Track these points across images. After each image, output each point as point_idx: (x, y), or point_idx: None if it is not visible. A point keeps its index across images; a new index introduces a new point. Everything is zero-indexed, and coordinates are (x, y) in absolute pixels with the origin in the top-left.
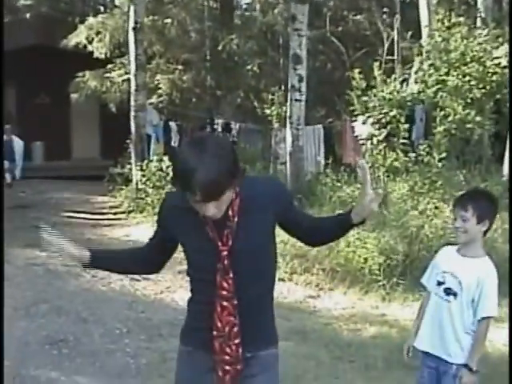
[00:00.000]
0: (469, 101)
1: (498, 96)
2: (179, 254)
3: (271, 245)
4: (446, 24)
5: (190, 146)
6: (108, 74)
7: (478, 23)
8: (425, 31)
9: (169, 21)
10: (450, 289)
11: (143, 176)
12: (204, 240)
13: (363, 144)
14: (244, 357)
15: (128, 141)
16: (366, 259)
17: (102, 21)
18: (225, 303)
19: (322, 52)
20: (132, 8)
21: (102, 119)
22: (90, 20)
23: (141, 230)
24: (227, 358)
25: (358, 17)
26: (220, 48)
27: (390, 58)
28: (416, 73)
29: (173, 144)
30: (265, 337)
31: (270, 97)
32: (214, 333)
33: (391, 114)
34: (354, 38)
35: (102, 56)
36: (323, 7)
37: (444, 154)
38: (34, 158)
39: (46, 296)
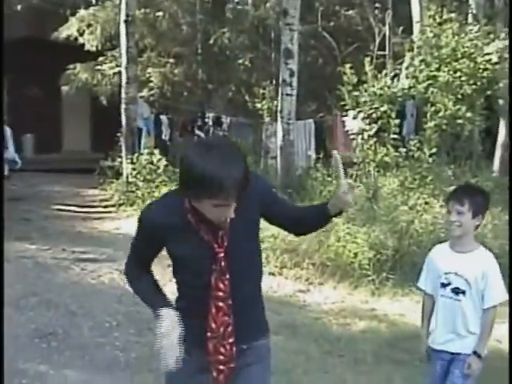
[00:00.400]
0: (459, 97)
1: (488, 92)
2: None
3: (259, 241)
4: (438, 20)
5: (205, 151)
6: (99, 67)
7: (470, 19)
8: (416, 27)
9: (160, 14)
10: (457, 288)
11: (133, 169)
12: (198, 244)
13: (354, 139)
14: (239, 349)
15: (119, 134)
16: (355, 254)
17: (93, 13)
18: (220, 304)
19: (314, 47)
20: (123, 1)
21: (92, 112)
22: (82, 12)
23: (131, 223)
24: (221, 357)
25: (350, 12)
26: (211, 42)
27: (381, 53)
28: (407, 68)
29: (163, 137)
30: (258, 329)
31: (261, 91)
32: (208, 334)
33: (382, 109)
34: (345, 33)
35: (93, 48)
36: (315, 2)
37: (434, 150)
38: (25, 151)
39: (35, 289)
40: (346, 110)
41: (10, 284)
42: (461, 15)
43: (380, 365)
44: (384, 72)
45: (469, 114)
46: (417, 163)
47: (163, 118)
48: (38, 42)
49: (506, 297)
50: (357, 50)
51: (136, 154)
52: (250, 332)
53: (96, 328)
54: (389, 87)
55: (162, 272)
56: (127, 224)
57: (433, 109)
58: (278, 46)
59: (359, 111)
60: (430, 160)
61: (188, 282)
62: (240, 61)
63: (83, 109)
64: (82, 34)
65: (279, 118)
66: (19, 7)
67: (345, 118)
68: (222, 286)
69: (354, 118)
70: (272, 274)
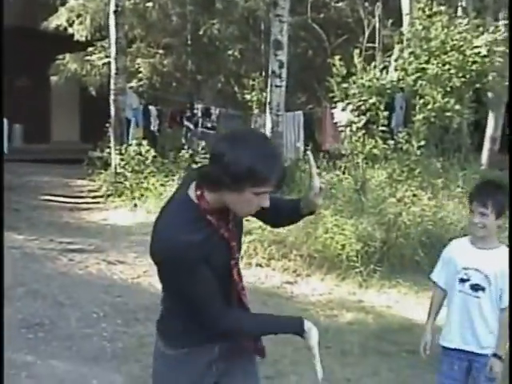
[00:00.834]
0: (448, 89)
1: (477, 85)
2: None
3: None
4: (427, 13)
5: (250, 139)
6: (88, 57)
7: (459, 13)
8: (406, 19)
9: (150, 4)
10: (477, 285)
11: (122, 160)
12: (220, 243)
13: (342, 131)
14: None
15: (107, 124)
16: (343, 246)
17: (83, 3)
18: (242, 292)
19: (304, 38)
20: None
21: (81, 102)
22: (71, 2)
23: (119, 214)
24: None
25: (340, 4)
26: (201, 32)
27: (371, 45)
28: (396, 60)
29: (152, 128)
30: None
31: (251, 82)
32: None
33: (371, 101)
34: (335, 24)
35: (83, 39)
36: None
37: (423, 142)
38: (13, 141)
39: (22, 279)
40: (335, 102)
41: None
42: (450, 8)
43: (367, 356)
44: (373, 64)
45: (457, 107)
46: (405, 155)
47: (152, 108)
48: (27, 32)
49: None
50: (346, 42)
51: (125, 145)
52: None
53: (83, 319)
54: (378, 79)
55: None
56: (115, 215)
57: (421, 101)
58: (267, 38)
59: (348, 103)
60: (419, 152)
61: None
62: (230, 52)
63: (72, 99)
64: (71, 25)
65: (268, 110)
66: None
67: (334, 110)
68: (238, 275)
69: (343, 109)
70: (259, 265)
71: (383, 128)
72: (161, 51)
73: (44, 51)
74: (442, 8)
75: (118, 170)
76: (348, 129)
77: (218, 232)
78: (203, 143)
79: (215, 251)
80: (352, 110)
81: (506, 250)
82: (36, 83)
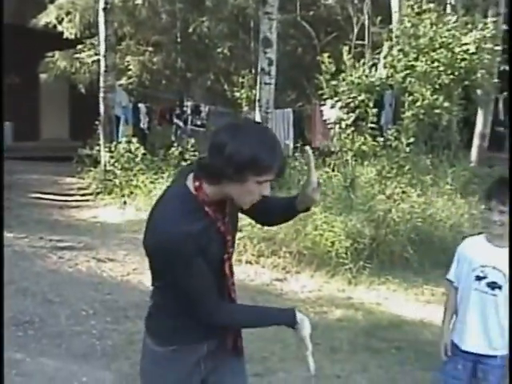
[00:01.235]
0: (437, 86)
1: (466, 82)
2: None
3: None
4: (416, 10)
5: (250, 128)
6: (78, 55)
7: (448, 10)
8: (395, 17)
9: (139, 2)
10: (494, 283)
11: (111, 157)
12: (216, 236)
13: (332, 128)
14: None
15: (97, 122)
16: (333, 243)
17: (72, 1)
18: (232, 288)
19: (293, 36)
20: None
21: (71, 100)
22: (60, 0)
23: (108, 212)
24: (232, 333)
25: (330, 1)
26: (191, 30)
27: (360, 42)
28: (385, 58)
29: (142, 126)
30: None
31: (240, 80)
32: None
33: (360, 98)
34: (324, 22)
35: (72, 36)
36: None
37: (412, 139)
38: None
39: (12, 277)
40: (325, 99)
41: None
42: (439, 6)
43: (356, 353)
44: (362, 61)
45: (446, 104)
46: (394, 152)
47: (141, 106)
48: (16, 29)
49: None
50: (336, 40)
51: (114, 143)
52: None
53: (73, 316)
54: (367, 76)
55: (140, 260)
56: (104, 212)
57: (410, 98)
58: (257, 35)
59: (337, 100)
60: (408, 149)
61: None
62: (219, 49)
63: (62, 97)
64: (60, 22)
65: (257, 107)
66: None
67: (323, 108)
68: (230, 270)
69: (332, 107)
70: (249, 262)
71: (372, 125)
72: (150, 49)
73: (33, 49)
74: (431, 5)
75: (108, 168)
76: (337, 126)
77: (215, 224)
78: (193, 141)
79: (211, 244)
80: (341, 108)
81: None
82: (25, 81)
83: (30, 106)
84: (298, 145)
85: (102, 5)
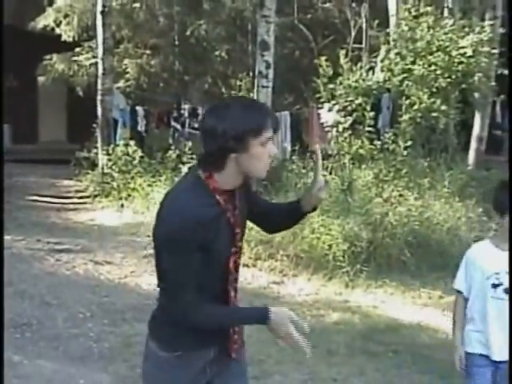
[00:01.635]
0: (434, 90)
1: (463, 85)
2: (143, 238)
3: None
4: (413, 13)
5: (231, 103)
6: (75, 58)
7: (445, 13)
8: (392, 20)
9: (137, 5)
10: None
11: (109, 160)
12: (226, 227)
13: (329, 131)
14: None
15: (95, 125)
16: (330, 246)
17: (70, 4)
18: (234, 285)
19: (291, 39)
20: None
21: (69, 103)
22: (59, 2)
23: (106, 215)
24: (236, 337)
25: (327, 4)
26: (188, 33)
27: (357, 46)
28: (382, 61)
29: (139, 129)
30: None
31: (238, 83)
32: None
33: (357, 101)
34: (322, 25)
35: (70, 39)
36: None
37: (409, 143)
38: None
39: (10, 279)
40: (322, 103)
41: None
42: (437, 9)
43: (353, 356)
44: (359, 65)
45: (443, 107)
46: (391, 156)
47: (139, 109)
48: (14, 32)
49: None
50: (333, 43)
51: (112, 145)
52: None
53: (70, 319)
54: (364, 80)
55: (137, 263)
56: (102, 215)
57: (408, 102)
58: (254, 38)
59: (334, 104)
60: (405, 153)
61: (210, 274)
62: (217, 52)
63: (59, 99)
64: (58, 25)
65: None
66: None
67: (320, 111)
68: (234, 265)
69: (330, 110)
70: (246, 265)
71: (369, 128)
72: (148, 52)
73: (31, 51)
74: (428, 9)
75: (105, 171)
76: (334, 129)
77: (226, 214)
78: (190, 144)
79: (220, 233)
80: (338, 111)
81: None
82: (23, 83)
83: (28, 108)
84: (296, 148)
85: (99, 8)
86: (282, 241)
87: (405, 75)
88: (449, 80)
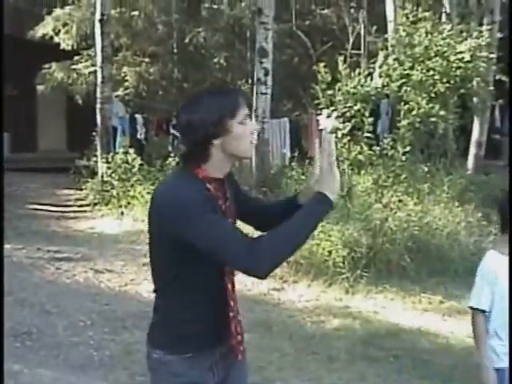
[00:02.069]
0: (433, 95)
1: (461, 90)
2: (143, 246)
3: None
4: (411, 19)
5: (199, 94)
6: (74, 66)
7: (443, 19)
8: (390, 26)
9: (136, 13)
10: None
11: (109, 168)
12: (217, 213)
13: None
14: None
15: (94, 133)
16: (330, 252)
17: (68, 12)
18: (231, 277)
19: (289, 46)
20: (99, 0)
21: (68, 111)
22: (57, 11)
23: (106, 223)
24: (240, 337)
25: (326, 11)
26: (187, 41)
27: (356, 52)
28: (380, 67)
29: (139, 136)
30: None
31: None
32: (231, 314)
33: (356, 107)
34: (320, 32)
35: (69, 48)
36: (290, 1)
37: (408, 148)
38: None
39: (10, 288)
40: (321, 109)
41: None
42: (435, 15)
43: (354, 362)
44: (358, 71)
45: (442, 113)
46: (391, 161)
47: (138, 117)
48: (13, 41)
49: None
50: (331, 49)
51: (111, 153)
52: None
53: (70, 327)
54: (362, 86)
55: (137, 271)
56: (102, 223)
57: (406, 107)
58: (253, 45)
59: (333, 110)
60: (404, 158)
61: (204, 268)
62: (215, 60)
63: (59, 108)
64: (57, 33)
65: (254, 117)
66: None
67: (319, 117)
68: None
69: (328, 116)
70: None
71: (368, 134)
72: (147, 59)
73: (30, 60)
74: (426, 14)
75: (105, 179)
76: (333, 135)
77: (217, 201)
78: None
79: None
80: (337, 117)
81: None
82: (22, 92)
83: (28, 117)
84: (295, 154)
85: (98, 16)
86: None
87: (403, 81)
88: (447, 85)
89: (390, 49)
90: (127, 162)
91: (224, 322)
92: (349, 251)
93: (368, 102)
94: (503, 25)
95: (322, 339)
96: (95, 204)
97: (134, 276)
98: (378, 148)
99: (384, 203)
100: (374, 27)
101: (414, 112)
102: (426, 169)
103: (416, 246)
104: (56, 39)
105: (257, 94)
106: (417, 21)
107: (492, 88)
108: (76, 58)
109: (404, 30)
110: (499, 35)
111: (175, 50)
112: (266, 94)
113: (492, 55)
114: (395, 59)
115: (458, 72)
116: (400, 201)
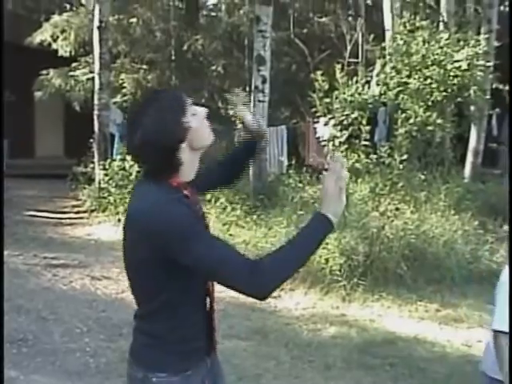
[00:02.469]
0: (430, 103)
1: (458, 99)
2: None
3: None
4: (409, 27)
5: (143, 105)
6: (72, 73)
7: (441, 27)
8: (388, 34)
9: (134, 20)
10: None
11: (106, 175)
12: (198, 219)
13: (325, 145)
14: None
15: (91, 140)
16: (326, 260)
17: (66, 19)
18: (213, 288)
19: (287, 53)
20: (97, 7)
21: (65, 118)
22: (55, 18)
23: (103, 230)
24: (215, 335)
25: (323, 19)
26: (185, 48)
27: (353, 60)
28: (378, 75)
29: None
30: None
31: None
32: (215, 325)
33: (353, 115)
34: (318, 40)
35: (67, 54)
36: (288, 9)
37: (405, 156)
38: None
39: (6, 294)
40: (318, 117)
41: None
42: (432, 23)
43: (350, 370)
44: (355, 79)
45: (439, 121)
46: (388, 169)
47: None
48: (11, 47)
49: None
50: (329, 57)
51: (108, 160)
52: None
53: (67, 334)
54: (360, 94)
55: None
56: (99, 230)
57: (403, 115)
58: (251, 53)
59: (330, 118)
60: (401, 166)
61: (191, 288)
62: (213, 67)
63: (56, 114)
64: (55, 40)
65: None
66: None
67: (316, 125)
68: None
69: (326, 124)
70: None
71: (366, 142)
72: (145, 66)
73: (28, 66)
74: (424, 23)
75: (102, 186)
76: (331, 143)
77: (195, 207)
78: None
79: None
80: (334, 125)
81: None
82: (20, 98)
83: (25, 123)
84: (292, 162)
85: (96, 23)
86: None
87: (400, 89)
88: (444, 93)
89: (387, 57)
90: (124, 169)
91: (211, 335)
92: (346, 259)
93: (365, 110)
94: (500, 34)
95: (319, 347)
96: (92, 211)
97: (115, 286)
98: (375, 156)
99: (381, 211)
100: (372, 36)
101: (411, 120)
102: (422, 177)
103: (413, 254)
104: (54, 46)
105: (254, 101)
106: (414, 29)
107: (489, 97)
108: (74, 64)
109: (401, 39)
110: (496, 44)
111: (173, 58)
112: (263, 101)
113: (489, 64)
114: (392, 67)
115: (455, 80)
116: (397, 209)
